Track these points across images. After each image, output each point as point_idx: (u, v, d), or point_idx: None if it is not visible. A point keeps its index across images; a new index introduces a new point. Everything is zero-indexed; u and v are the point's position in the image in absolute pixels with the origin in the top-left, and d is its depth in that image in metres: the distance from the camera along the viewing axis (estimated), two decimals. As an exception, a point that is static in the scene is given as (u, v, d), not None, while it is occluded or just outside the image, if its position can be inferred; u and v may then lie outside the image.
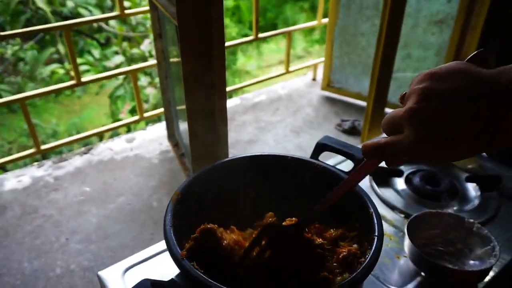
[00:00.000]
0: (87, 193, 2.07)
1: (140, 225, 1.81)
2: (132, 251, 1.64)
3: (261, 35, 2.71)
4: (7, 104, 2.18)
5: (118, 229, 1.78)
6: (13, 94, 3.80)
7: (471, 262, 0.80)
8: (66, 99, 4.38)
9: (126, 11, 2.16)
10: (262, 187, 0.78)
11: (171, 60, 1.99)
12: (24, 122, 2.24)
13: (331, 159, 1.13)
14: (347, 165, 1.09)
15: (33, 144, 2.28)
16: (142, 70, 2.99)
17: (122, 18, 2.87)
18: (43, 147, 2.28)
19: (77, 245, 1.71)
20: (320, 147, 0.80)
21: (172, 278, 0.54)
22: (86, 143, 2.88)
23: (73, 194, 2.06)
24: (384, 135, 0.50)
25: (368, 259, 0.55)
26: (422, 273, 0.79)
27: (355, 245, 0.66)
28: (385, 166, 0.52)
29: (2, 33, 1.93)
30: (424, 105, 0.43)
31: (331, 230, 0.71)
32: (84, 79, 2.21)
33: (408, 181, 1.07)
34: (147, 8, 2.10)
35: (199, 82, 1.04)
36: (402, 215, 0.96)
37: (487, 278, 0.77)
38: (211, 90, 1.02)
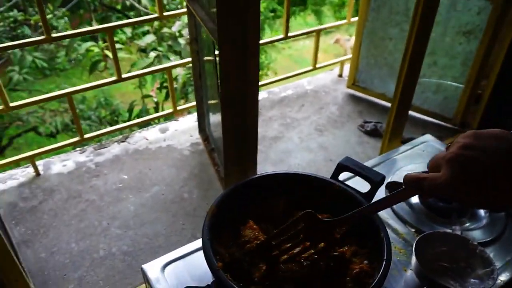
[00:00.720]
0: (125, 181, 2.20)
1: (173, 215, 1.94)
2: (165, 239, 1.78)
3: (291, 33, 2.76)
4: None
5: (153, 218, 1.92)
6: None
7: (472, 280, 0.87)
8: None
9: (165, 13, 2.26)
10: (287, 202, 0.87)
11: (205, 58, 2.07)
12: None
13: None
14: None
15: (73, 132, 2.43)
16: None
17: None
18: (86, 135, 2.42)
19: (117, 230, 1.85)
20: (341, 168, 0.88)
21: (208, 284, 0.63)
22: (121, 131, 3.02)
23: (112, 181, 2.20)
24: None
25: (376, 281, 0.64)
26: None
27: (365, 262, 0.74)
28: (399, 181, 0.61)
29: None
30: (465, 152, 0.51)
31: (346, 247, 0.79)
32: (124, 75, 2.33)
33: (421, 196, 1.14)
34: (185, 10, 2.18)
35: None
36: (413, 230, 1.03)
37: (485, 297, 0.84)
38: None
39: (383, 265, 0.66)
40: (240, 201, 0.81)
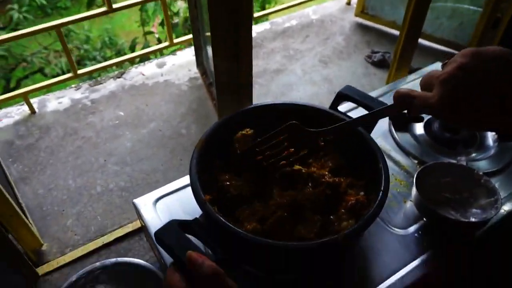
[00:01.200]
0: (121, 118, 2.16)
1: (170, 151, 1.92)
2: (163, 174, 1.77)
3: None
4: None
5: (150, 154, 1.90)
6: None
7: (474, 210, 0.84)
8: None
9: None
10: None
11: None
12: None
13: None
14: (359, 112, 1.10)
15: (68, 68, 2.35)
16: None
17: None
18: (79, 71, 2.34)
19: (114, 166, 1.84)
20: (341, 97, 0.82)
21: (196, 218, 0.60)
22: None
23: (109, 118, 2.17)
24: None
25: (371, 211, 0.60)
26: (424, 219, 0.85)
27: (362, 193, 0.71)
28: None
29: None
30: (458, 72, 0.49)
31: (342, 178, 0.76)
32: (115, 5, 2.19)
33: (427, 127, 1.08)
34: None
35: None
36: (416, 161, 0.99)
37: (486, 227, 0.81)
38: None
39: (380, 195, 0.62)
40: (232, 134, 0.76)
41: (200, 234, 0.58)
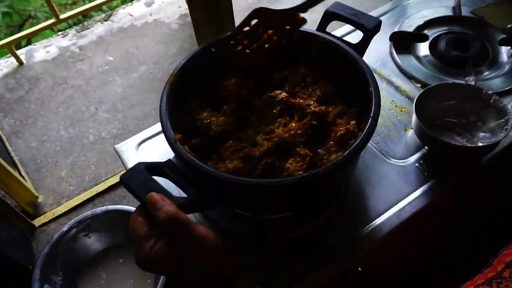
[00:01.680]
0: (110, 63, 2.08)
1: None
2: (155, 119, 1.72)
3: None
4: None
5: (142, 99, 1.83)
6: None
7: (482, 134, 0.77)
8: None
9: None
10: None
11: None
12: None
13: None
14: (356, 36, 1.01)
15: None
16: None
17: None
18: (62, 16, 2.22)
19: (106, 114, 1.79)
20: (329, 16, 0.72)
21: (169, 159, 0.55)
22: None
23: (98, 64, 2.08)
24: None
25: (357, 141, 0.53)
26: (426, 147, 0.78)
27: (353, 122, 0.64)
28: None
29: None
30: None
31: (331, 107, 0.68)
32: None
33: (432, 46, 0.98)
34: None
35: None
36: (419, 85, 0.91)
37: (494, 151, 0.75)
38: None
39: (369, 122, 0.55)
40: (210, 65, 0.68)
41: (170, 175, 0.53)
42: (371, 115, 0.56)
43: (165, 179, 0.54)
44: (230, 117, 0.66)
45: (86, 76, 2.01)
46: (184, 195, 0.51)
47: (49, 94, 1.94)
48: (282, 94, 0.66)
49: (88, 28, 2.37)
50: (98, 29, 2.35)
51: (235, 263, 0.48)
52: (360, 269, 0.65)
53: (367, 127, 0.54)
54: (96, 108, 1.83)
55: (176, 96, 0.62)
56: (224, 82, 0.69)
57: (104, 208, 1.00)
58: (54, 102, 1.89)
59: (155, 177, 0.51)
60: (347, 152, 0.52)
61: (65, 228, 0.97)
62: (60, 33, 2.42)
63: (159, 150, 0.85)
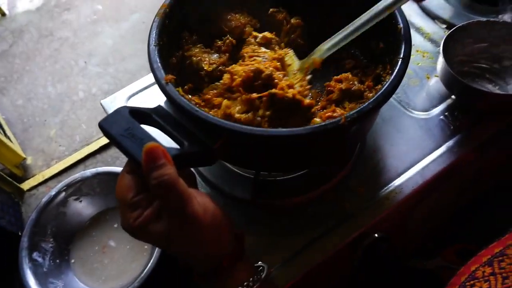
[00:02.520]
0: (99, 12, 1.97)
1: (157, 44, 1.74)
2: (149, 72, 1.62)
3: None
4: None
5: (134, 50, 1.73)
6: None
7: (517, 82, 0.68)
8: None
9: None
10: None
11: None
12: None
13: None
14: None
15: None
16: None
17: None
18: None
19: (96, 68, 1.71)
20: None
21: (159, 105, 0.47)
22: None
23: (86, 14, 1.97)
24: None
25: (387, 84, 0.46)
26: (453, 96, 0.70)
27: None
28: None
29: None
30: None
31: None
32: None
33: (460, -20, 0.87)
34: None
35: None
36: (444, 26, 0.81)
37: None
38: None
39: (399, 64, 0.47)
40: None
41: (160, 123, 0.45)
42: (401, 56, 0.48)
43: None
44: (224, 56, 0.58)
45: (74, 27, 1.91)
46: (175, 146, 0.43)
47: (34, 48, 1.84)
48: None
49: None
50: (84, -26, 2.20)
51: (235, 246, 0.42)
52: (377, 235, 0.59)
53: (397, 69, 0.47)
54: (85, 62, 1.74)
55: (168, 31, 0.54)
56: (226, 16, 0.61)
57: (94, 170, 0.94)
58: (40, 56, 1.80)
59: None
60: (374, 98, 0.44)
61: (52, 192, 0.91)
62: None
63: (153, 105, 0.77)
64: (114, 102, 0.79)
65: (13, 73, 1.73)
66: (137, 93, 0.80)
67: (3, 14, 2.06)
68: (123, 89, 0.81)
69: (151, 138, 0.40)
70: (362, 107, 0.43)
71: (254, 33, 0.59)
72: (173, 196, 0.36)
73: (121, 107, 0.43)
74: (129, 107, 0.44)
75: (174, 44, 0.57)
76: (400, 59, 0.47)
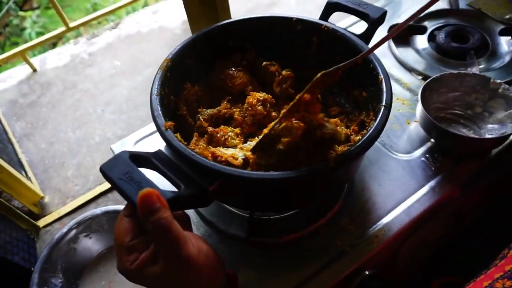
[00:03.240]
0: (118, 67, 1.99)
1: (167, 95, 1.75)
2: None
3: None
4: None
5: (146, 100, 1.71)
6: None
7: (490, 126, 0.66)
8: None
9: None
10: (262, 54, 0.63)
11: None
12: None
13: (342, 21, 0.94)
14: (360, 27, 0.90)
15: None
16: None
17: None
18: (71, 24, 2.12)
19: (111, 115, 1.70)
20: (332, 6, 0.61)
21: (159, 149, 0.45)
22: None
23: (106, 69, 1.99)
24: None
25: (372, 129, 0.43)
26: (432, 139, 0.67)
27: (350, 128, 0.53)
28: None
29: None
30: None
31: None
32: None
33: (431, 38, 0.88)
34: None
35: None
36: (420, 77, 0.80)
37: (504, 144, 0.64)
38: None
39: (381, 111, 0.45)
40: (205, 54, 0.59)
41: (159, 167, 0.43)
42: (383, 103, 0.46)
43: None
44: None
45: (95, 80, 1.92)
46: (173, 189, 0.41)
47: (59, 98, 1.84)
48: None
49: (98, 36, 2.28)
50: (107, 36, 2.26)
51: (230, 284, 0.38)
52: (367, 272, 0.54)
53: (380, 115, 0.45)
54: (102, 110, 1.73)
55: (170, 82, 0.53)
56: (226, 73, 0.60)
57: (103, 208, 0.90)
58: (64, 105, 1.79)
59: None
60: (359, 143, 0.41)
61: (64, 229, 0.87)
62: (72, 41, 2.32)
63: (157, 148, 0.75)
64: (123, 146, 0.77)
65: (39, 121, 1.72)
66: (143, 138, 0.78)
67: (35, 70, 2.08)
68: (131, 135, 0.79)
69: (148, 182, 0.38)
70: (348, 150, 0.41)
71: (256, 94, 0.56)
72: (168, 239, 0.34)
73: (121, 152, 0.42)
74: (129, 151, 0.42)
75: (177, 94, 0.55)
76: (383, 107, 0.45)
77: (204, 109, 0.57)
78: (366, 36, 0.57)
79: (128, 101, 1.75)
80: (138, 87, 1.83)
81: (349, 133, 0.49)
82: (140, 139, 0.78)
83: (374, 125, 0.43)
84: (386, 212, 0.58)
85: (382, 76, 0.49)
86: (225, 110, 0.57)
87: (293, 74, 0.60)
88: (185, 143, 0.45)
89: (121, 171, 0.39)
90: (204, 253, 0.37)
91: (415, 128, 0.71)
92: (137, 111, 1.67)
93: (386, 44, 0.89)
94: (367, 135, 0.42)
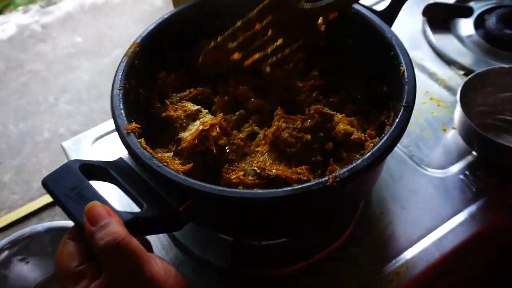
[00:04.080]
0: (78, 45, 2.02)
1: (139, 82, 1.77)
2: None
3: None
4: None
5: (113, 88, 1.75)
6: None
7: (549, 138, 0.66)
8: None
9: None
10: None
11: None
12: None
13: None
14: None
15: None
16: None
17: None
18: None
19: (67, 106, 1.71)
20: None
21: (120, 157, 0.47)
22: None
23: (63, 46, 2.02)
24: None
25: (386, 136, 0.43)
26: (474, 152, 0.68)
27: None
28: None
29: None
30: None
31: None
32: None
33: (479, 23, 0.89)
34: None
35: None
36: (462, 72, 0.82)
37: None
38: None
39: (401, 112, 0.45)
40: (185, 36, 0.60)
41: (118, 180, 0.44)
42: (403, 103, 0.46)
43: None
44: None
45: (48, 60, 1.95)
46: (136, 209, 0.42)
47: (0, 80, 1.85)
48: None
49: (55, 3, 2.33)
50: (66, 5, 2.30)
51: None
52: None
53: (397, 119, 0.44)
54: (55, 98, 1.75)
55: (139, 72, 0.54)
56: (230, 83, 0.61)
57: (47, 224, 0.88)
58: (4, 89, 1.82)
59: (93, 183, 0.43)
60: (370, 153, 0.41)
61: (-6, 250, 0.86)
62: (20, 7, 2.34)
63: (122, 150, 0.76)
64: (77, 145, 0.78)
65: (-28, 108, 1.73)
66: (105, 135, 0.79)
67: (-29, 44, 2.10)
68: (89, 130, 0.80)
69: (101, 199, 0.39)
70: (355, 164, 0.40)
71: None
72: (125, 259, 0.35)
73: (70, 161, 0.43)
74: (81, 160, 0.44)
75: (145, 86, 0.56)
76: (402, 107, 0.45)
77: (175, 93, 0.58)
78: (389, 14, 0.57)
79: (90, 89, 1.77)
80: (103, 72, 1.86)
81: (363, 138, 0.49)
82: (101, 136, 0.79)
83: (390, 131, 0.43)
84: (411, 243, 0.58)
85: (404, 67, 0.49)
86: (199, 92, 0.58)
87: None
88: (151, 150, 0.45)
89: (69, 185, 0.40)
90: (173, 276, 0.38)
91: (452, 136, 0.71)
92: (102, 102, 1.69)
93: (419, 28, 0.90)
94: (380, 143, 0.42)
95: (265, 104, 0.56)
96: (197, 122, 0.52)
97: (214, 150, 0.49)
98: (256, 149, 0.51)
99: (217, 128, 0.50)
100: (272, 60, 0.56)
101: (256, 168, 0.47)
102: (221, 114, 0.54)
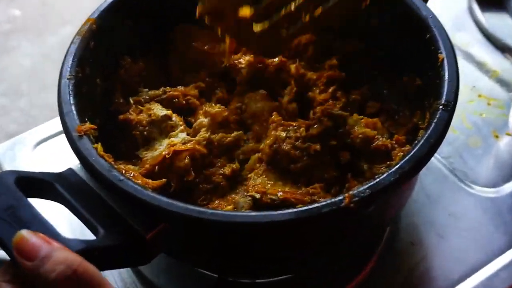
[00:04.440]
0: (16, 20, 2.05)
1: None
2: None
3: None
4: None
5: (61, 76, 1.78)
6: None
7: None
8: None
9: None
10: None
11: None
12: None
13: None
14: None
15: None
16: None
17: None
18: None
19: (0, 99, 1.74)
20: None
21: (69, 168, 0.48)
22: None
23: (-4, 21, 2.03)
24: None
25: (420, 143, 0.45)
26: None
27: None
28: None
29: None
30: None
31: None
32: None
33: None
34: None
35: None
36: (520, 61, 0.85)
37: None
38: None
39: (439, 113, 0.46)
40: (159, 12, 0.64)
41: (65, 198, 0.45)
42: (442, 100, 0.47)
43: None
44: None
45: (-26, 39, 1.96)
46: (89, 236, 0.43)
47: None
48: None
49: None
50: (0, -33, 2.30)
51: None
52: None
53: (435, 121, 0.46)
54: (-16, 90, 1.77)
55: (96, 57, 0.57)
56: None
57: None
58: None
59: (33, 201, 0.43)
60: (399, 165, 0.42)
61: None
62: None
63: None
64: (13, 150, 0.80)
65: None
66: (50, 138, 0.82)
67: None
68: (29, 131, 0.83)
69: (42, 224, 0.40)
70: (379, 179, 0.42)
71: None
72: (86, 281, 0.35)
73: (3, 173, 0.44)
74: (17, 171, 0.44)
75: (104, 75, 0.59)
76: (441, 106, 0.47)
77: (146, 90, 0.60)
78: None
79: (32, 78, 1.80)
80: (49, 55, 1.88)
81: (389, 145, 0.50)
82: (45, 140, 0.81)
83: (425, 137, 0.45)
84: (452, 283, 0.60)
85: (444, 54, 0.50)
86: (180, 94, 0.59)
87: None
88: (110, 159, 0.46)
89: (1, 205, 0.40)
90: None
91: (507, 145, 0.74)
92: (45, 95, 1.71)
93: (465, 6, 0.93)
94: (411, 153, 0.44)
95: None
96: (165, 142, 0.53)
97: (173, 187, 0.50)
98: (249, 175, 0.52)
99: (187, 157, 0.51)
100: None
101: (254, 193, 0.48)
102: (206, 134, 0.54)
